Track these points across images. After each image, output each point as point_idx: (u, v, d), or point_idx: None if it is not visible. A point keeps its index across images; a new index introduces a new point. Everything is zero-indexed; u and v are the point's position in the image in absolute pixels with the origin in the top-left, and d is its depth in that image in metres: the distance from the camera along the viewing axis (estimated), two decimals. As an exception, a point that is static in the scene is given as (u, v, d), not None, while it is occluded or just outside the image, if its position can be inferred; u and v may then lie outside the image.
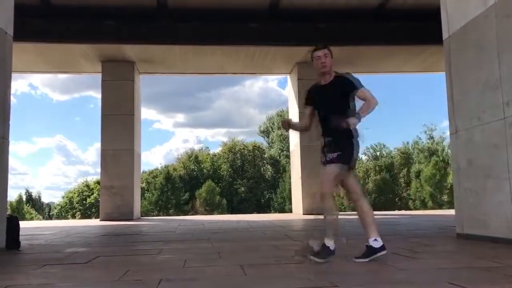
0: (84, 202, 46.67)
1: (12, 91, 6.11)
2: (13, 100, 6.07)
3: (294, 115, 15.49)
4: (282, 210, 39.28)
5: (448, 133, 6.39)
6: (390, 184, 46.35)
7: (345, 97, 4.08)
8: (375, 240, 3.95)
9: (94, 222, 14.28)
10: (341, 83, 4.14)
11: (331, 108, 4.07)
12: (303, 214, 14.16)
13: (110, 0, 11.56)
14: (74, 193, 48.19)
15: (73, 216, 44.84)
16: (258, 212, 35.88)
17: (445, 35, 6.24)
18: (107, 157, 14.02)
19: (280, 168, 48.43)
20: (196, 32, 12.44)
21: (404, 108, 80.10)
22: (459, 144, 5.90)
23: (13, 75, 6.06)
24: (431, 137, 50.63)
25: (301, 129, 4.69)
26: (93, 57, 13.86)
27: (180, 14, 12.12)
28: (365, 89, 4.06)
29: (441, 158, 44.16)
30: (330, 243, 3.95)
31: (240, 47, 13.31)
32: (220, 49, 13.48)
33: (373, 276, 3.34)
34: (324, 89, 4.21)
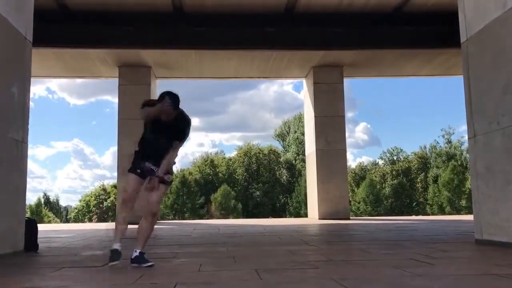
0: (101, 205, 47.15)
1: (30, 95, 6.20)
2: (31, 104, 6.17)
3: (310, 119, 15.46)
4: (298, 215, 39.19)
5: (466, 137, 6.30)
6: (407, 188, 45.94)
7: (178, 133, 4.48)
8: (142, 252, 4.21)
9: (111, 225, 14.38)
10: (182, 121, 4.51)
11: (169, 136, 4.43)
12: (319, 218, 14.09)
13: (127, 6, 11.69)
14: (91, 197, 48.73)
15: (90, 220, 45.33)
16: (274, 217, 35.84)
17: (463, 38, 6.16)
18: (124, 161, 14.13)
19: (296, 172, 48.33)
20: (212, 36, 12.50)
21: (422, 112, 79.43)
22: (478, 148, 5.82)
23: (32, 79, 6.15)
24: (449, 141, 50.12)
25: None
26: (110, 62, 14.02)
27: (196, 19, 12.19)
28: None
29: (459, 163, 43.64)
30: (117, 246, 4.20)
31: (256, 52, 13.33)
32: (236, 54, 13.53)
33: (389, 282, 3.30)
34: (165, 122, 4.43)
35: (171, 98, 4.43)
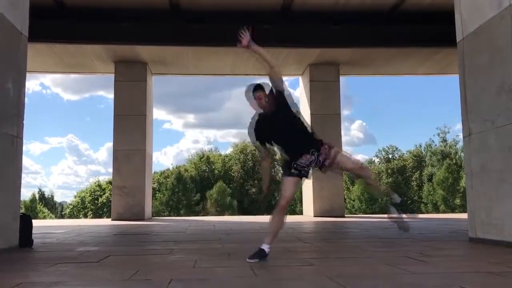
0: (96, 201, 47.07)
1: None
2: (25, 99, 6.16)
3: (305, 117, 15.46)
4: (293, 212, 39.27)
5: (461, 136, 6.33)
6: (402, 187, 46.08)
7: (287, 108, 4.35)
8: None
9: (106, 221, 14.38)
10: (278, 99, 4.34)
11: (290, 125, 4.32)
12: (314, 216, 14.12)
13: (123, 2, 11.64)
14: (86, 193, 48.61)
15: (85, 216, 45.23)
16: (269, 214, 35.90)
17: (459, 37, 6.18)
18: (119, 157, 14.11)
19: (291, 170, 48.36)
20: (208, 33, 12.48)
21: (418, 110, 79.65)
22: (473, 147, 5.84)
23: (26, 74, 6.12)
24: (444, 140, 50.33)
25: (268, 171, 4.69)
26: (106, 58, 13.97)
27: (192, 16, 12.17)
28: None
29: (454, 161, 43.80)
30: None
31: (252, 49, 13.31)
32: (233, 51, 13.50)
33: (384, 279, 3.31)
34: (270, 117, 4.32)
35: (247, 93, 4.31)
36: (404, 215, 4.21)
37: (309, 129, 4.44)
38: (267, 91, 4.31)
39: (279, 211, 4.28)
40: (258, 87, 4.30)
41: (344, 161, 4.30)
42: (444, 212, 36.62)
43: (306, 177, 4.30)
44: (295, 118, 4.37)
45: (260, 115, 4.35)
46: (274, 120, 4.29)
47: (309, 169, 4.26)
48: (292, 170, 4.22)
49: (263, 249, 4.18)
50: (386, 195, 4.34)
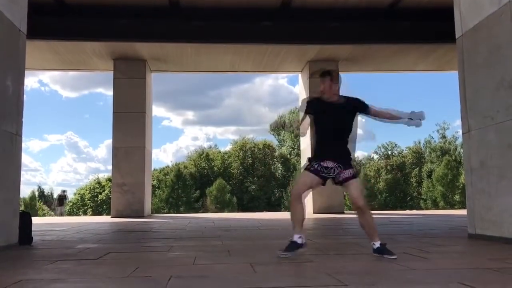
0: (96, 199, 47.00)
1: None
2: (24, 97, 6.16)
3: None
4: (293, 209, 39.21)
5: (461, 132, 6.33)
6: (402, 183, 46.08)
7: (353, 116, 4.38)
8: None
9: (105, 218, 14.39)
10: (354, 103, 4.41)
11: (341, 125, 4.31)
12: (314, 213, 14.12)
13: (122, -1, 11.63)
14: (86, 190, 48.56)
15: (85, 213, 45.20)
16: (269, 211, 35.89)
17: (458, 34, 6.17)
18: (118, 155, 14.11)
19: (291, 167, 48.35)
20: (208, 30, 12.46)
21: (417, 106, 79.63)
22: (472, 143, 5.85)
23: (25, 72, 6.11)
24: (444, 136, 50.24)
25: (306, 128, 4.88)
26: (105, 55, 13.94)
27: (192, 13, 12.14)
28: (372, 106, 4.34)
29: (453, 158, 43.76)
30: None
31: (252, 46, 13.30)
32: (232, 48, 13.49)
33: (383, 275, 3.32)
34: (331, 106, 4.35)
35: (323, 76, 4.35)
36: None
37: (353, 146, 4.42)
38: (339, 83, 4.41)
39: (293, 201, 4.35)
40: (326, 73, 4.42)
41: (354, 188, 4.21)
42: (443, 208, 36.65)
43: (326, 178, 4.24)
44: (349, 127, 4.35)
45: (317, 98, 4.41)
46: (333, 110, 4.30)
47: (330, 174, 4.20)
48: (312, 168, 4.21)
49: (294, 241, 4.22)
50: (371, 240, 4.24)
